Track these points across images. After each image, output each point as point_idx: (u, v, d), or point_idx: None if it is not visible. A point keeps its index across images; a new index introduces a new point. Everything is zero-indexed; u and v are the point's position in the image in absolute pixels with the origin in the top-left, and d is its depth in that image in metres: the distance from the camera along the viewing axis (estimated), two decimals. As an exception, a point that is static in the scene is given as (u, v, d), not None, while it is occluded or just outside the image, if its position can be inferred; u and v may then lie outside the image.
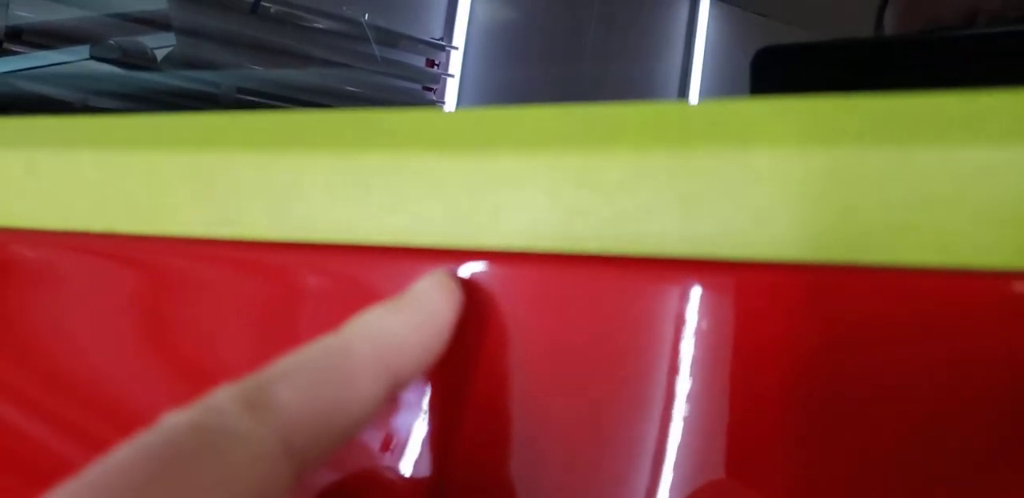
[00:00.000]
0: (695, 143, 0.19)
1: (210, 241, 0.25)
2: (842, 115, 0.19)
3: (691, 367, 0.19)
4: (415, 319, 0.20)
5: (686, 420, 0.19)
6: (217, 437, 0.15)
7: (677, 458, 0.19)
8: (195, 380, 0.26)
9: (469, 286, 0.22)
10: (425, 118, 0.23)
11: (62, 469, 0.26)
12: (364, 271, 0.23)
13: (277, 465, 0.16)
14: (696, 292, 0.19)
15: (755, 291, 0.19)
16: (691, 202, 0.19)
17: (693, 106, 0.20)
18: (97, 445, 0.26)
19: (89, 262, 0.28)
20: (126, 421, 0.26)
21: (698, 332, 0.19)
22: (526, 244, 0.21)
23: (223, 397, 0.16)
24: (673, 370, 0.19)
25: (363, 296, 0.23)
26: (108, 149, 0.27)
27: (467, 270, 0.22)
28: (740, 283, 0.19)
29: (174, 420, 0.16)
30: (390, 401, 0.19)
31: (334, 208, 0.23)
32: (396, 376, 0.19)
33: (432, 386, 0.22)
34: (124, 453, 0.15)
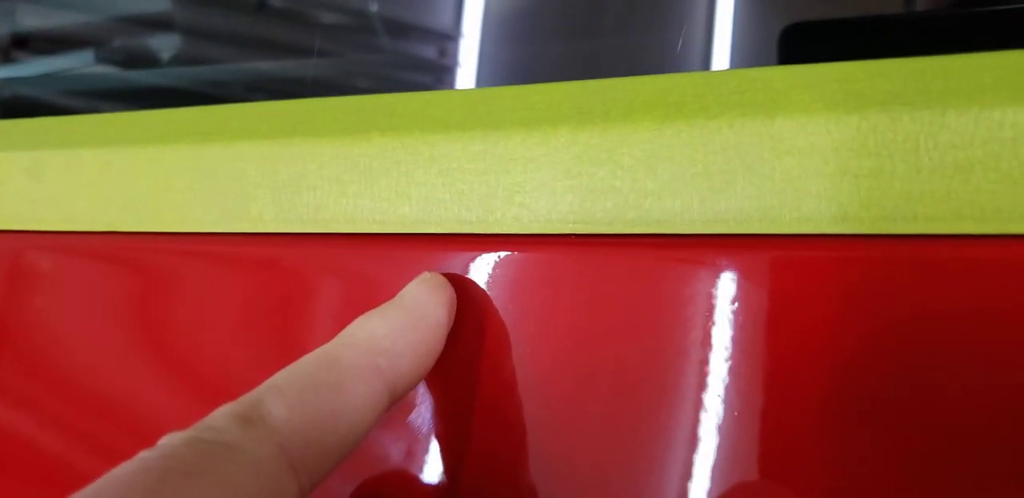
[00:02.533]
0: (717, 115, 0.19)
1: (217, 236, 0.25)
2: (869, 80, 0.18)
3: (722, 349, 0.18)
4: (405, 323, 0.19)
5: (716, 405, 0.18)
6: (214, 450, 0.16)
7: (712, 448, 0.18)
8: (209, 375, 0.25)
9: (485, 273, 0.21)
10: (431, 99, 0.23)
11: (76, 467, 0.26)
12: (375, 261, 0.23)
13: (278, 476, 0.16)
14: (726, 271, 0.19)
15: (786, 267, 0.18)
16: (716, 177, 0.18)
17: (713, 76, 0.19)
18: (110, 445, 0.25)
19: (94, 262, 0.28)
20: (141, 416, 0.26)
21: (729, 312, 0.18)
22: (544, 227, 0.20)
23: (218, 416, 0.17)
24: (705, 354, 0.19)
25: (376, 286, 0.22)
26: (108, 147, 0.26)
27: (482, 256, 0.21)
28: (770, 259, 0.18)
29: (171, 438, 0.16)
30: (392, 405, 0.19)
31: (342, 197, 0.23)
32: (391, 381, 0.19)
33: (453, 379, 0.21)
34: (125, 468, 0.15)
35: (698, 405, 0.18)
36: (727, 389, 0.18)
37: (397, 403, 0.19)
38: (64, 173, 0.27)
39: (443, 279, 0.21)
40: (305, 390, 0.17)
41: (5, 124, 0.30)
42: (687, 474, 0.19)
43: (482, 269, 0.21)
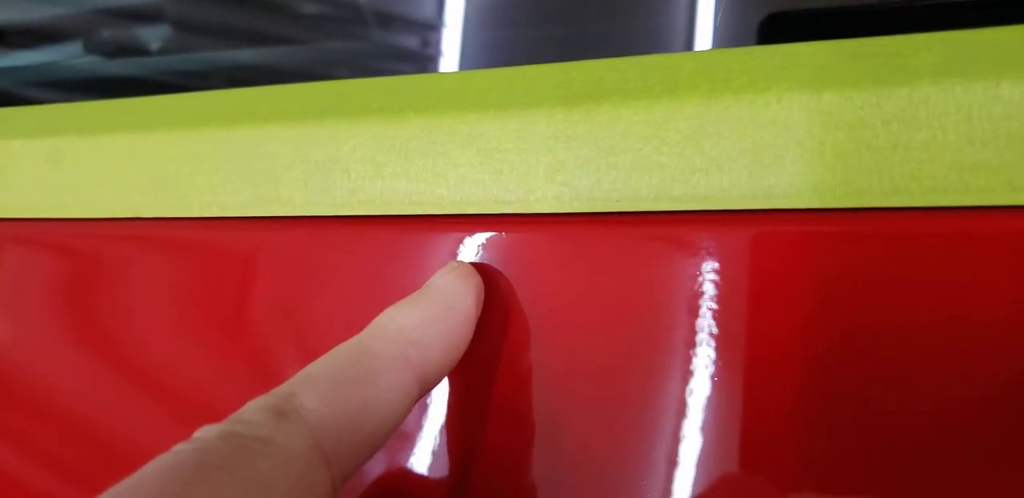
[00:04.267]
0: (765, 89, 0.18)
1: (249, 220, 0.24)
2: (917, 53, 0.18)
3: (777, 327, 0.18)
4: (434, 314, 0.19)
5: (770, 389, 0.18)
6: (248, 444, 0.16)
7: (748, 443, 0.18)
8: (245, 360, 0.25)
9: (523, 253, 0.21)
10: (467, 79, 0.22)
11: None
12: (412, 243, 0.22)
13: (312, 469, 0.16)
14: (776, 246, 0.18)
15: (839, 241, 0.18)
16: (764, 152, 0.18)
17: (758, 51, 0.19)
18: (161, 424, 0.25)
19: (117, 248, 0.27)
20: (179, 391, 0.26)
21: (782, 287, 0.18)
22: (585, 206, 0.20)
23: (251, 409, 0.17)
24: (759, 334, 0.18)
25: (413, 268, 0.22)
26: (132, 132, 0.26)
27: (522, 236, 0.21)
28: (822, 233, 0.18)
29: (206, 432, 0.16)
30: (422, 396, 0.19)
31: (378, 179, 0.22)
32: (422, 372, 0.19)
33: (483, 368, 0.21)
34: (162, 462, 0.15)
35: (753, 389, 0.18)
36: (784, 374, 0.18)
37: (427, 394, 0.19)
38: (85, 159, 0.27)
39: (471, 268, 0.21)
40: (337, 383, 0.17)
41: (22, 110, 0.30)
42: (715, 472, 0.18)
43: (521, 249, 0.21)
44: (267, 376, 0.24)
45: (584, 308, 0.20)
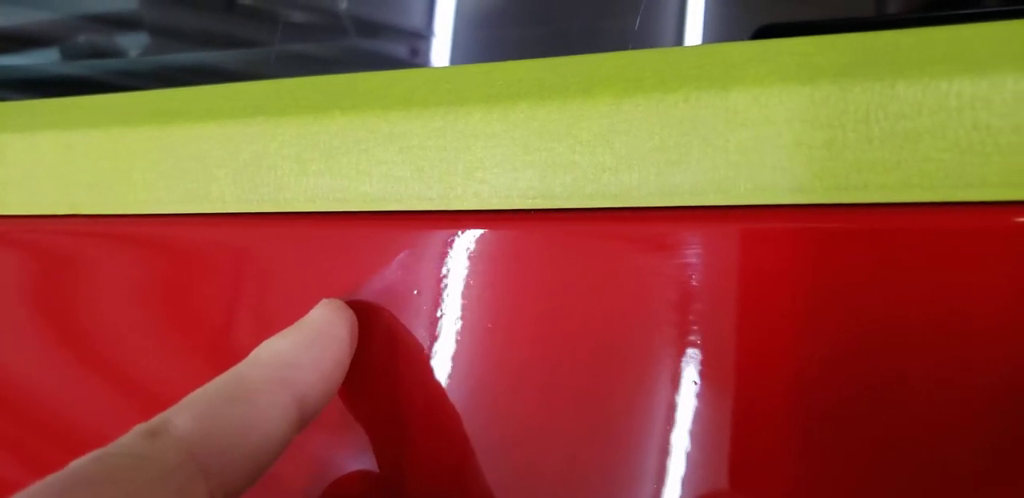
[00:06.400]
0: (674, 89, 0.19)
1: (178, 216, 0.24)
2: (823, 54, 0.18)
3: (679, 324, 0.19)
4: (307, 339, 0.20)
5: (683, 390, 0.18)
6: (120, 461, 0.16)
7: (684, 447, 0.19)
8: (173, 353, 0.25)
9: (445, 249, 0.21)
10: (393, 78, 0.23)
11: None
12: (336, 239, 0.23)
13: (187, 482, 0.16)
14: (683, 243, 0.19)
15: (742, 238, 0.18)
16: (672, 150, 0.19)
17: (673, 52, 0.19)
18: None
19: (56, 245, 0.27)
20: (125, 382, 0.26)
21: (686, 285, 0.19)
22: (503, 203, 0.20)
23: (126, 435, 0.17)
24: (663, 330, 0.19)
25: (339, 265, 0.22)
26: (70, 130, 0.26)
27: (442, 233, 0.21)
28: (726, 231, 0.18)
29: (79, 459, 0.16)
30: (306, 418, 0.19)
31: (303, 176, 0.23)
32: (299, 393, 0.19)
33: (414, 365, 0.21)
34: (28, 488, 0.15)
35: (661, 390, 0.19)
36: (689, 370, 0.18)
37: (313, 417, 0.20)
38: (25, 156, 0.27)
39: (342, 303, 0.21)
40: (212, 404, 0.18)
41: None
42: (653, 471, 0.19)
43: (442, 245, 0.21)
44: (200, 369, 0.24)
45: (502, 305, 0.20)
